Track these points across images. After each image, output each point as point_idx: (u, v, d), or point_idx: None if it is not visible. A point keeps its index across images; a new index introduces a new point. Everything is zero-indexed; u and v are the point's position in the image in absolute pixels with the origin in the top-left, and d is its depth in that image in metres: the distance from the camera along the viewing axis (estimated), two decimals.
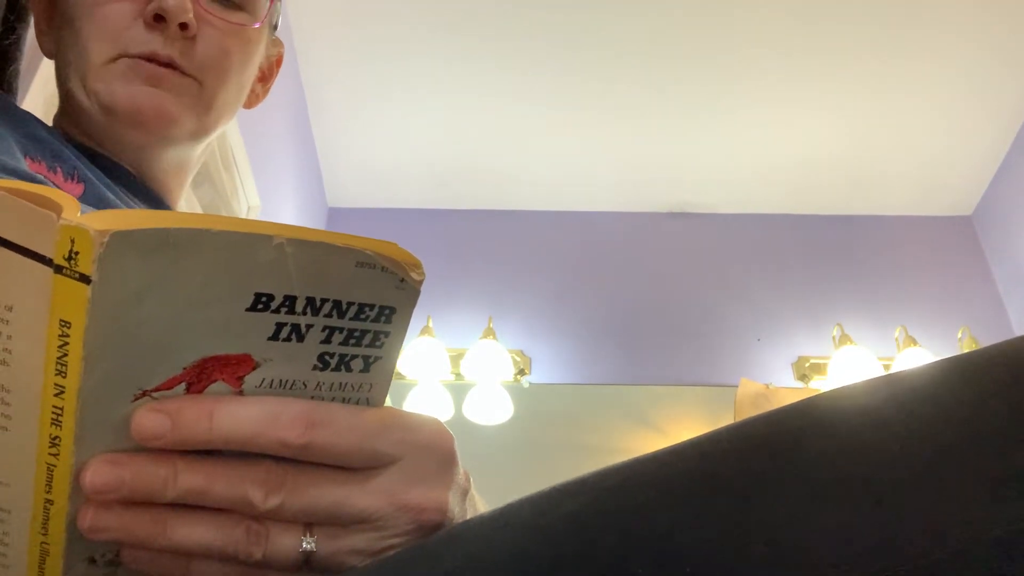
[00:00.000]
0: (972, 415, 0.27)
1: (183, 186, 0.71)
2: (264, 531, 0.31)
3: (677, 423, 2.30)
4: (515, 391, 2.35)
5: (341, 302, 0.30)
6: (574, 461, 2.10)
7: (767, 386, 2.20)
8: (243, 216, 1.98)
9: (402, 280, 0.31)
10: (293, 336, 0.30)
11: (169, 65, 0.60)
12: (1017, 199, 2.52)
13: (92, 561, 0.31)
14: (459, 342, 2.41)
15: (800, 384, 2.39)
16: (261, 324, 0.29)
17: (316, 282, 0.29)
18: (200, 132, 0.65)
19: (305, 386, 0.32)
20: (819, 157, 2.59)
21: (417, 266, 0.31)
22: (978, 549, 0.24)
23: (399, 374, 2.31)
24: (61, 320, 0.26)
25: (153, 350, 0.28)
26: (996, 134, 2.53)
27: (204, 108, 0.63)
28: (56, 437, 0.28)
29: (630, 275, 2.60)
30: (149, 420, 0.29)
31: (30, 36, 0.71)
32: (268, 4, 0.67)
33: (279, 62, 0.78)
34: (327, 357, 0.31)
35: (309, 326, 0.30)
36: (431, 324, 2.38)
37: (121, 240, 0.25)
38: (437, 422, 0.35)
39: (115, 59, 0.60)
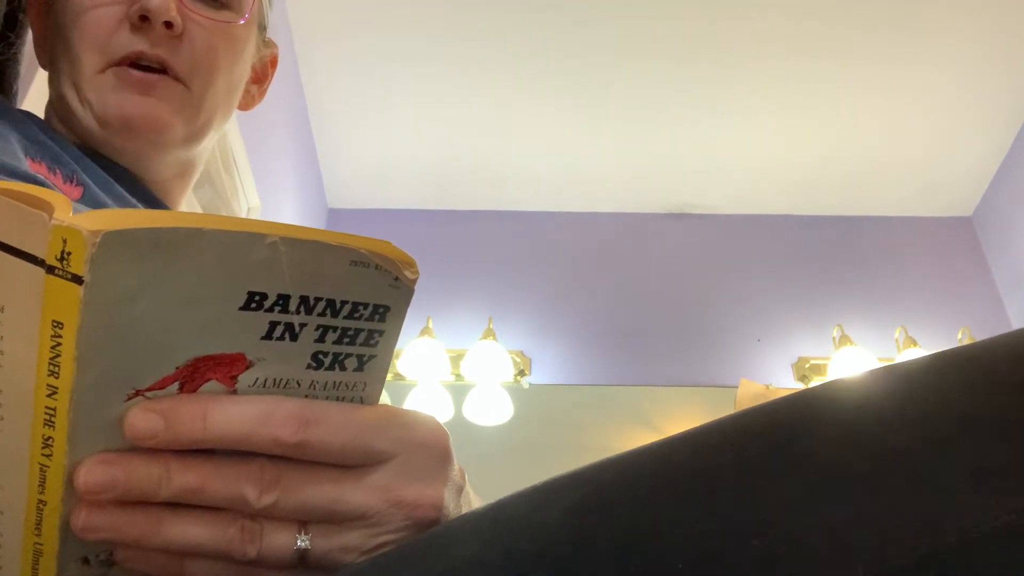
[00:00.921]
0: (968, 407, 0.27)
1: (185, 189, 0.72)
2: (258, 529, 0.31)
3: (677, 423, 2.30)
4: (515, 392, 2.35)
5: (335, 301, 0.30)
6: (574, 461, 2.09)
7: (767, 387, 2.20)
8: (243, 216, 1.98)
9: (396, 279, 0.31)
10: (287, 335, 0.30)
11: (159, 67, 0.61)
12: (1017, 200, 2.52)
13: (86, 561, 0.31)
14: (459, 343, 2.41)
15: (800, 385, 2.38)
16: (255, 323, 0.29)
17: (310, 281, 0.29)
18: (193, 136, 0.65)
19: (299, 385, 0.32)
20: (819, 158, 2.59)
21: (411, 264, 0.31)
22: (974, 541, 0.24)
23: (399, 375, 2.31)
24: (54, 321, 0.26)
25: (146, 350, 0.28)
26: (996, 135, 2.53)
27: (194, 111, 0.63)
28: (49, 438, 0.28)
29: (630, 276, 2.60)
30: (142, 420, 0.29)
31: (28, 47, 0.72)
32: (252, 1, 0.67)
33: (274, 63, 0.78)
34: (321, 356, 0.31)
35: (303, 325, 0.30)
36: (431, 325, 2.37)
37: (114, 240, 0.25)
38: (432, 419, 0.35)
39: (104, 69, 0.60)
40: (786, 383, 2.39)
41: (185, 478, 0.30)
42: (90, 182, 0.56)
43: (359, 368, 0.33)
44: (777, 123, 2.49)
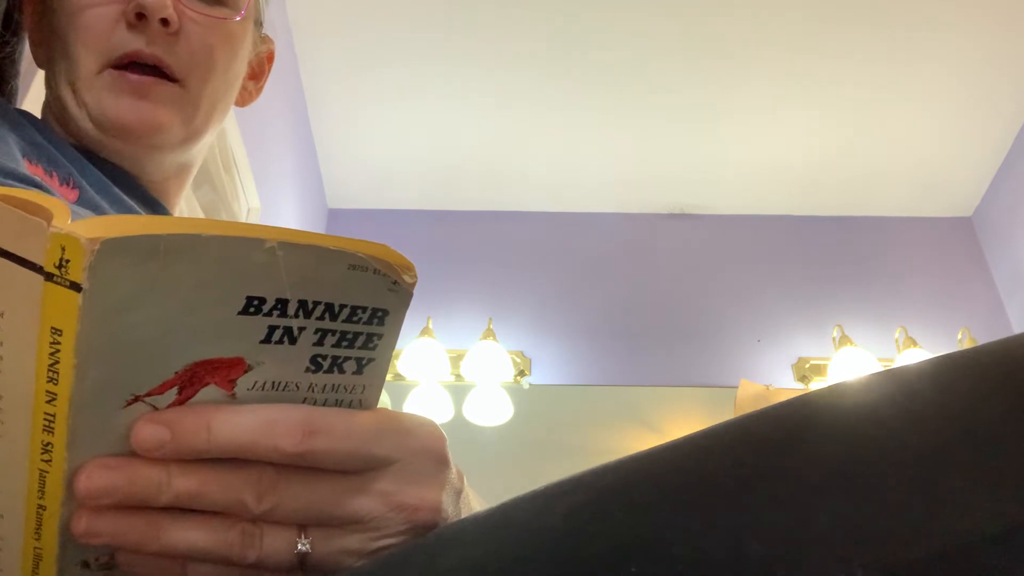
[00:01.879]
0: (969, 412, 0.27)
1: (182, 188, 0.72)
2: (258, 533, 0.31)
3: (677, 424, 2.30)
4: (515, 392, 2.35)
5: (333, 305, 0.30)
6: (574, 462, 2.09)
7: (767, 387, 2.20)
8: (243, 217, 1.98)
9: (395, 282, 0.31)
10: (285, 339, 0.30)
11: (155, 65, 0.61)
12: (1017, 200, 2.52)
13: (86, 565, 0.31)
14: (459, 343, 2.41)
15: (800, 385, 2.39)
16: (253, 327, 0.29)
17: (308, 285, 0.29)
18: (191, 136, 0.65)
19: (298, 388, 0.32)
20: (819, 158, 2.59)
21: (410, 268, 0.31)
22: (975, 545, 0.24)
23: (399, 375, 2.31)
24: (52, 328, 0.26)
25: (145, 355, 0.28)
26: (996, 135, 2.53)
27: (191, 112, 0.63)
28: (48, 443, 0.28)
29: (630, 276, 2.60)
30: (148, 431, 0.29)
31: (26, 49, 0.72)
32: None
33: (270, 59, 0.78)
34: (320, 359, 0.31)
35: (301, 329, 0.30)
36: (431, 325, 2.37)
37: (112, 248, 0.25)
38: (431, 423, 0.35)
39: (101, 71, 0.60)
40: (786, 383, 2.39)
41: (185, 483, 0.30)
42: (86, 185, 0.57)
43: (358, 371, 0.33)
44: (777, 123, 2.49)
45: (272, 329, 0.30)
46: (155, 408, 0.30)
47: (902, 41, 2.28)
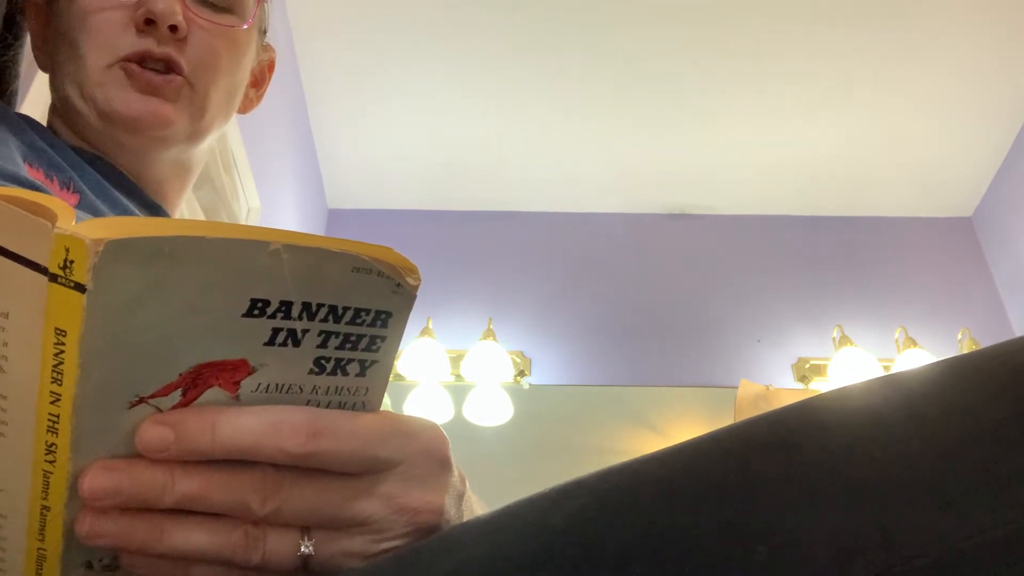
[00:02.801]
0: (972, 415, 0.27)
1: (183, 191, 0.72)
2: (261, 535, 0.31)
3: (677, 424, 2.30)
4: (515, 392, 2.35)
5: (337, 307, 0.30)
6: (574, 462, 2.10)
7: (767, 387, 2.20)
8: (243, 217, 1.98)
9: (398, 285, 0.31)
10: (289, 341, 0.30)
11: (164, 63, 0.61)
12: (1017, 200, 2.52)
13: (89, 566, 0.31)
14: (459, 343, 2.41)
15: (800, 385, 2.38)
16: (257, 329, 0.29)
17: (312, 287, 0.29)
18: (195, 135, 0.65)
19: (301, 390, 0.32)
20: (819, 158, 2.59)
21: (413, 271, 0.31)
22: (978, 549, 0.24)
23: (399, 375, 2.31)
24: (56, 328, 0.26)
25: (149, 357, 0.28)
26: (996, 135, 2.53)
27: (198, 110, 0.64)
28: (52, 444, 0.28)
29: (630, 276, 2.60)
30: (153, 433, 0.29)
31: (27, 49, 0.72)
32: (255, 6, 0.68)
33: (271, 67, 0.78)
34: (323, 361, 0.31)
35: (305, 331, 0.30)
36: (431, 325, 2.37)
37: (116, 249, 0.25)
38: (434, 427, 0.35)
39: (110, 66, 0.61)
40: (786, 383, 2.39)
41: (188, 485, 0.30)
42: (86, 189, 0.57)
43: (361, 373, 0.33)
44: (777, 123, 2.49)
45: (276, 331, 0.30)
46: (159, 410, 0.30)
47: (902, 41, 2.29)
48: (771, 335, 2.48)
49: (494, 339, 2.34)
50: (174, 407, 0.30)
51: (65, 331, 0.26)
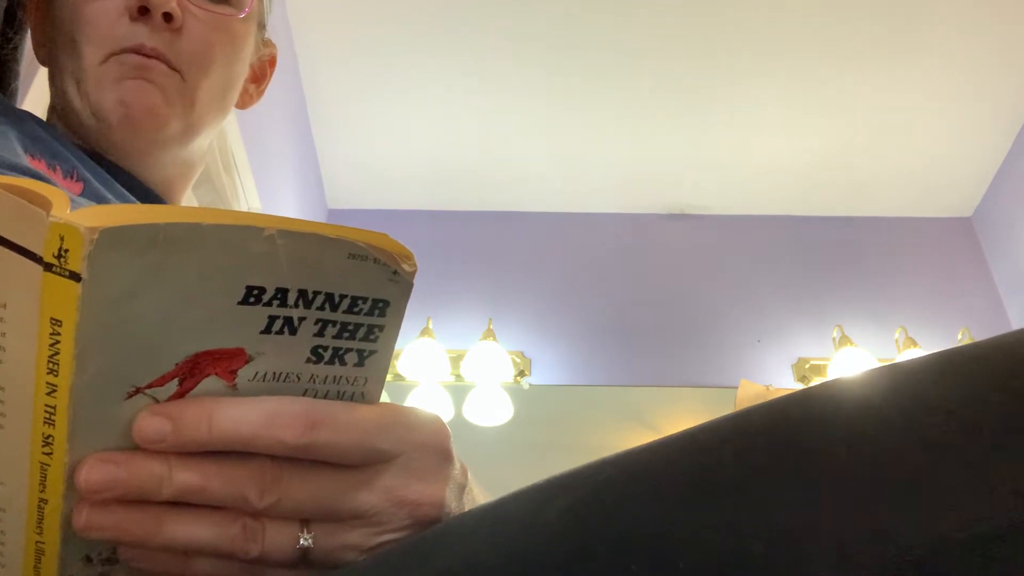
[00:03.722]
0: (969, 407, 0.27)
1: (186, 189, 0.72)
2: (260, 528, 0.31)
3: (677, 424, 2.30)
4: (515, 392, 2.35)
5: (334, 295, 0.30)
6: (574, 462, 2.09)
7: (767, 387, 2.20)
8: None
9: (395, 272, 0.31)
10: (286, 329, 0.30)
11: (155, 57, 0.61)
12: (1017, 200, 2.52)
13: (88, 559, 0.31)
14: (459, 343, 2.41)
15: (800, 385, 2.38)
16: (253, 317, 0.29)
17: (308, 274, 0.29)
18: (189, 130, 0.65)
19: (299, 379, 0.32)
20: (819, 158, 2.58)
21: (408, 257, 0.31)
22: (975, 541, 0.24)
23: (399, 375, 2.31)
24: (52, 318, 0.26)
25: (145, 347, 0.28)
26: (996, 135, 2.53)
27: (188, 103, 0.63)
28: (49, 436, 0.28)
29: (630, 276, 2.60)
30: (150, 424, 0.29)
31: (28, 46, 0.72)
32: None
33: (272, 63, 0.78)
34: (321, 350, 0.31)
35: (302, 319, 0.30)
36: (431, 326, 2.37)
37: (111, 237, 0.25)
38: (435, 418, 0.35)
39: (105, 60, 0.60)
40: (786, 383, 2.39)
41: (187, 477, 0.30)
42: (91, 178, 0.56)
43: (359, 363, 0.33)
44: (777, 123, 2.49)
45: (272, 319, 0.30)
46: (156, 400, 0.29)
47: (902, 41, 2.28)
48: (771, 335, 2.48)
49: (494, 339, 2.34)
50: (171, 397, 0.30)
51: (61, 321, 0.26)
